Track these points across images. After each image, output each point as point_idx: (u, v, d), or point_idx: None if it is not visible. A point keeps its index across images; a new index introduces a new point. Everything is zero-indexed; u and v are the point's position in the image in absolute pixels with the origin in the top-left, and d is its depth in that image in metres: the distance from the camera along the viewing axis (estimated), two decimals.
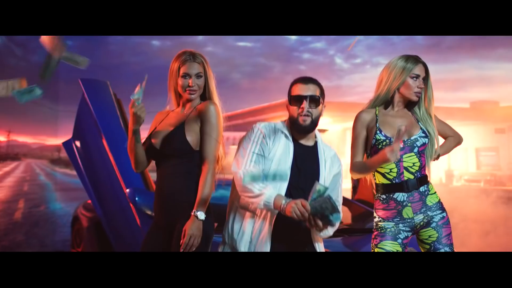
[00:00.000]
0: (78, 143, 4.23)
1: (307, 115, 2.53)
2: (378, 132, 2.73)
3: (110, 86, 4.20)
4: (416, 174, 2.71)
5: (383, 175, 2.75)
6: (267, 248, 2.46)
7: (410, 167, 2.71)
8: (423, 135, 2.73)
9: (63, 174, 36.74)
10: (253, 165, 2.50)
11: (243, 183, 2.44)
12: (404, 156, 2.70)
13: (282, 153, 2.55)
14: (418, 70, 2.73)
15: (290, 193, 2.51)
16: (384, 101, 2.80)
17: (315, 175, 2.59)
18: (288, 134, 2.59)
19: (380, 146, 2.72)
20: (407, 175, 2.70)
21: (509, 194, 13.78)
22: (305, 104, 2.53)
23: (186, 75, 2.63)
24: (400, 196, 2.70)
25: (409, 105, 2.81)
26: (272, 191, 2.40)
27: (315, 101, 2.54)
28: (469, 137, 20.16)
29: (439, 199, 2.79)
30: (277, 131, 2.60)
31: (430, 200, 2.74)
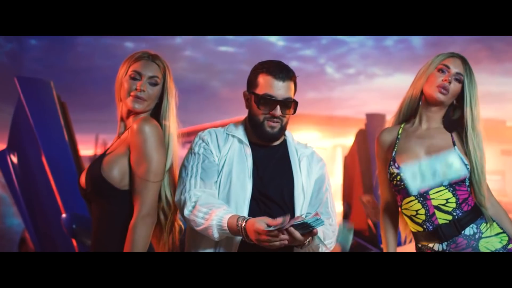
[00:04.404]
0: (13, 156, 3.80)
1: (277, 122, 2.08)
2: (391, 162, 2.17)
3: (53, 87, 3.79)
4: (454, 213, 2.10)
5: (410, 218, 2.19)
6: None
7: (443, 205, 2.10)
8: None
9: None
10: (199, 182, 2.02)
11: (185, 214, 1.97)
12: (431, 192, 2.10)
13: (236, 161, 2.08)
14: (450, 62, 2.16)
15: (257, 204, 2.04)
16: (410, 113, 2.25)
17: (287, 180, 2.11)
18: (242, 138, 2.13)
19: (394, 182, 2.16)
20: (441, 217, 2.10)
21: None
22: (277, 110, 2.06)
23: (136, 75, 2.01)
24: (436, 246, 2.11)
25: (451, 122, 2.22)
26: (221, 212, 1.90)
27: (288, 105, 2.08)
28: None
29: (506, 243, 2.10)
30: (226, 136, 2.14)
31: (486, 246, 2.08)
